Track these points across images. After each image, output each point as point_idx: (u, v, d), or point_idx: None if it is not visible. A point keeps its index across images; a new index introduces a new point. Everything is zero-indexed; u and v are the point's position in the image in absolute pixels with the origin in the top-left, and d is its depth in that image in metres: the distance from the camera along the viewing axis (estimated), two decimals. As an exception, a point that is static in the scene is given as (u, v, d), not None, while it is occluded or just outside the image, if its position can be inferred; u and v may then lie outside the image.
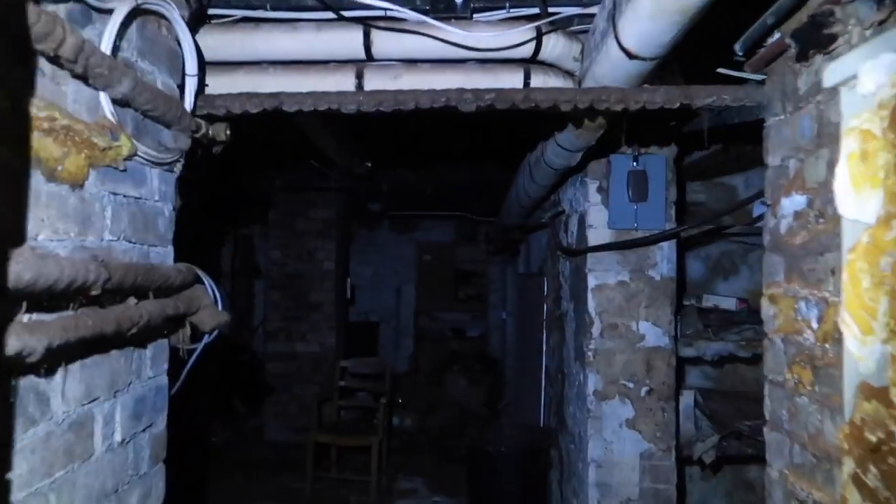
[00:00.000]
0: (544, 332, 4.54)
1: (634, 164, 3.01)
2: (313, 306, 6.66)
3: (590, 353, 3.10)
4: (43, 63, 1.21)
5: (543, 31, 2.02)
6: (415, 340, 9.72)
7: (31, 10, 1.09)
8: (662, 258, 3.11)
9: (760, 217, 2.04)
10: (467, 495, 4.39)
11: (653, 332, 3.08)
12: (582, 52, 2.10)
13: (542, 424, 4.47)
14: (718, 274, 4.00)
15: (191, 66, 1.76)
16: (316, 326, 6.66)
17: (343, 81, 2.09)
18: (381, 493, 5.12)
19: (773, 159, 1.67)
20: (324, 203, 6.68)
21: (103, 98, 1.40)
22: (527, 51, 2.04)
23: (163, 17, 1.62)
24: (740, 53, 1.69)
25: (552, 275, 4.21)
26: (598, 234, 3.12)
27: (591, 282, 3.12)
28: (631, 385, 3.08)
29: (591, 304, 3.11)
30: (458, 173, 5.62)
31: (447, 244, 9.72)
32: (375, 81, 2.10)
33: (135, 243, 1.60)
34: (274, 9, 2.01)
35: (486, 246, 9.20)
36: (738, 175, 3.94)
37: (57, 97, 1.27)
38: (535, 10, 2.00)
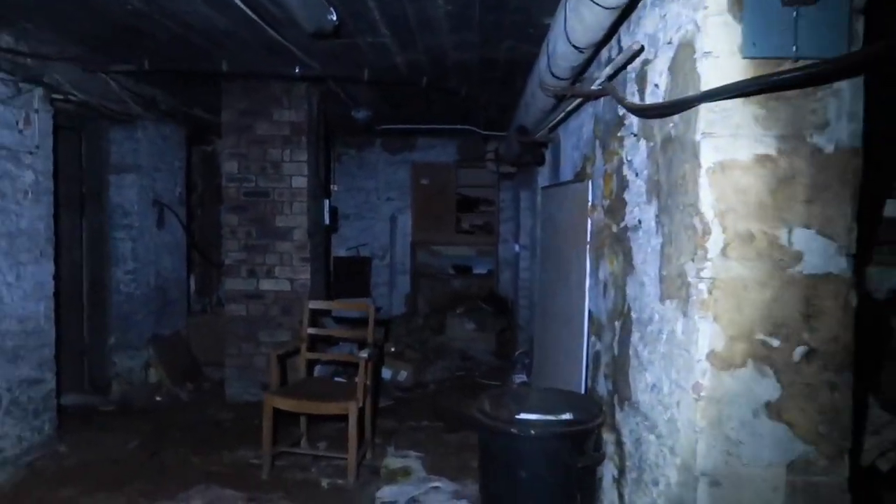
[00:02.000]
0: (587, 260, 3.17)
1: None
2: (281, 233, 5.29)
3: (702, 287, 1.74)
4: None
5: None
6: (412, 279, 8.39)
7: None
8: (840, 113, 1.70)
9: None
10: (479, 485, 3.12)
11: (819, 248, 1.71)
12: None
13: (584, 391, 3.15)
14: None
15: None
16: (285, 259, 5.31)
17: None
18: (363, 473, 3.87)
19: None
20: (292, 102, 5.23)
21: None
22: None
23: None
24: None
25: (608, 171, 2.81)
26: (719, 69, 1.71)
27: (707, 157, 1.73)
28: (776, 343, 1.72)
29: (707, 200, 1.73)
30: (464, 50, 4.15)
31: (448, 165, 8.29)
32: None
33: None
34: None
35: (496, 167, 7.75)
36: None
37: None
38: None
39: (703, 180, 1.73)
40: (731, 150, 1.72)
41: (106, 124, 5.32)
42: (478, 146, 8.24)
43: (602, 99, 2.88)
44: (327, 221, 5.57)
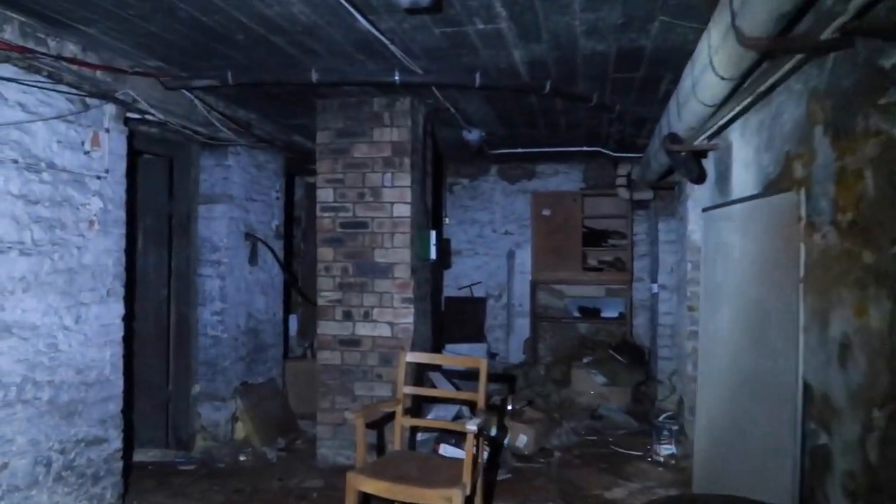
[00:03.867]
0: (800, 306, 2.13)
1: None
2: (380, 270, 4.57)
3: None
4: None
5: None
6: (532, 322, 7.43)
7: None
8: None
9: None
10: None
11: None
12: None
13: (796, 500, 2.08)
14: None
15: None
16: (385, 300, 4.57)
17: None
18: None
19: None
20: (394, 120, 4.54)
21: None
22: None
23: None
24: None
25: (849, 168, 1.79)
26: None
27: None
28: None
29: None
30: (600, 37, 3.27)
31: (573, 194, 7.32)
32: None
33: None
34: None
35: (628, 193, 6.70)
36: None
37: None
38: None
39: None
40: None
41: (196, 149, 4.88)
42: (606, 171, 7.24)
43: (832, 58, 1.88)
44: (434, 256, 4.78)
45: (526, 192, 7.56)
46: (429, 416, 4.68)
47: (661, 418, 4.93)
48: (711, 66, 2.45)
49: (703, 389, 3.62)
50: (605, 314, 7.34)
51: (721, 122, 3.10)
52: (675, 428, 4.70)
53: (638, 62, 3.65)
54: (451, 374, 5.42)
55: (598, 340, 7.24)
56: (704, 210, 3.71)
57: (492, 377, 5.12)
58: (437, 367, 5.06)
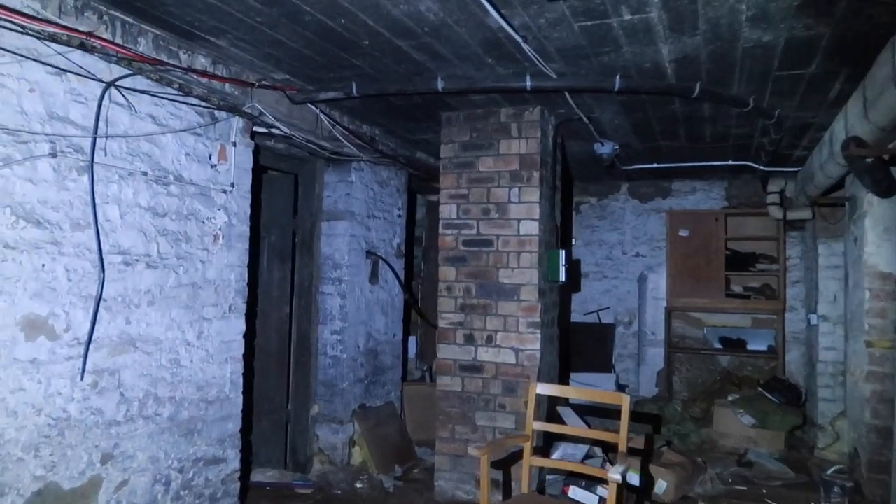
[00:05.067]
0: None
1: None
2: (505, 291, 4.26)
3: None
4: None
5: None
6: (666, 352, 6.82)
7: None
8: None
9: None
10: None
11: None
12: None
13: None
14: None
15: None
16: (509, 324, 4.25)
17: None
18: None
19: None
20: (522, 131, 4.25)
21: None
22: None
23: None
24: None
25: None
26: None
27: None
28: None
29: None
30: (767, 25, 2.82)
31: (714, 213, 6.68)
32: None
33: None
34: None
35: (781, 213, 5.99)
36: None
37: None
38: None
39: None
40: None
41: (320, 165, 4.83)
42: (753, 187, 6.56)
43: None
44: (564, 278, 4.41)
45: (660, 212, 7.00)
46: (554, 455, 4.28)
47: (829, 472, 4.22)
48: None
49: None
50: (751, 346, 6.59)
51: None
52: (848, 485, 4.00)
53: (811, 56, 3.13)
54: (578, 409, 4.99)
55: (744, 376, 6.50)
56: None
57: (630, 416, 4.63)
58: (565, 401, 4.65)
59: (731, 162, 5.71)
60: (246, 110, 3.52)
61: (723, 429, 5.79)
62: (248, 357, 3.70)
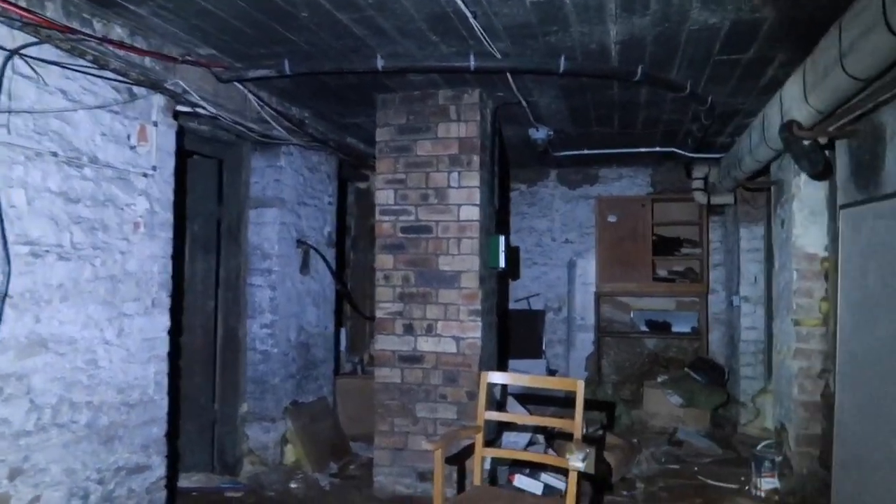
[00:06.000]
0: None
1: None
2: (445, 279, 4.14)
3: None
4: None
5: None
6: (595, 337, 6.93)
7: None
8: None
9: None
10: None
11: None
12: None
13: None
14: None
15: None
16: (450, 312, 4.14)
17: None
18: None
19: None
20: (462, 114, 4.14)
21: None
22: None
23: None
24: None
25: None
26: None
27: None
28: None
29: None
30: (716, 6, 2.81)
31: (641, 199, 6.81)
32: None
33: None
34: None
35: (705, 198, 6.18)
36: None
37: None
38: None
39: None
40: None
41: (247, 149, 4.55)
42: (677, 174, 6.73)
43: None
44: (504, 264, 4.34)
45: (588, 199, 7.08)
46: (499, 444, 4.23)
47: (760, 447, 4.37)
48: (885, 21, 1.98)
49: (845, 420, 3.09)
50: (676, 329, 6.79)
51: (865, 109, 2.61)
52: (777, 459, 4.15)
53: (751, 39, 3.16)
54: (515, 397, 4.96)
55: (670, 357, 6.69)
56: (843, 207, 3.18)
57: (563, 402, 4.63)
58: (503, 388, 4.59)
59: (658, 149, 5.81)
60: (168, 87, 3.22)
61: (653, 409, 5.93)
62: (174, 355, 3.42)
